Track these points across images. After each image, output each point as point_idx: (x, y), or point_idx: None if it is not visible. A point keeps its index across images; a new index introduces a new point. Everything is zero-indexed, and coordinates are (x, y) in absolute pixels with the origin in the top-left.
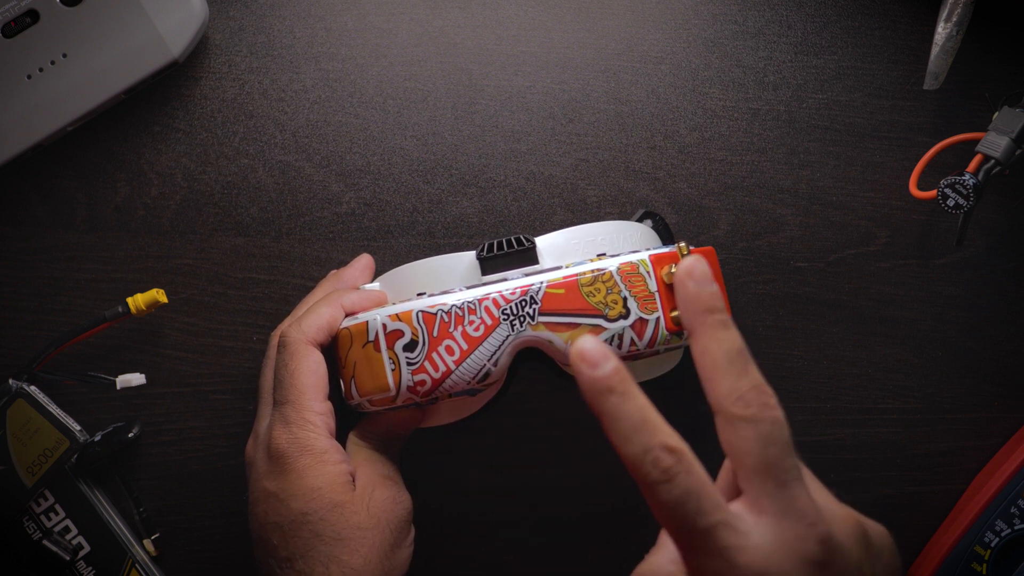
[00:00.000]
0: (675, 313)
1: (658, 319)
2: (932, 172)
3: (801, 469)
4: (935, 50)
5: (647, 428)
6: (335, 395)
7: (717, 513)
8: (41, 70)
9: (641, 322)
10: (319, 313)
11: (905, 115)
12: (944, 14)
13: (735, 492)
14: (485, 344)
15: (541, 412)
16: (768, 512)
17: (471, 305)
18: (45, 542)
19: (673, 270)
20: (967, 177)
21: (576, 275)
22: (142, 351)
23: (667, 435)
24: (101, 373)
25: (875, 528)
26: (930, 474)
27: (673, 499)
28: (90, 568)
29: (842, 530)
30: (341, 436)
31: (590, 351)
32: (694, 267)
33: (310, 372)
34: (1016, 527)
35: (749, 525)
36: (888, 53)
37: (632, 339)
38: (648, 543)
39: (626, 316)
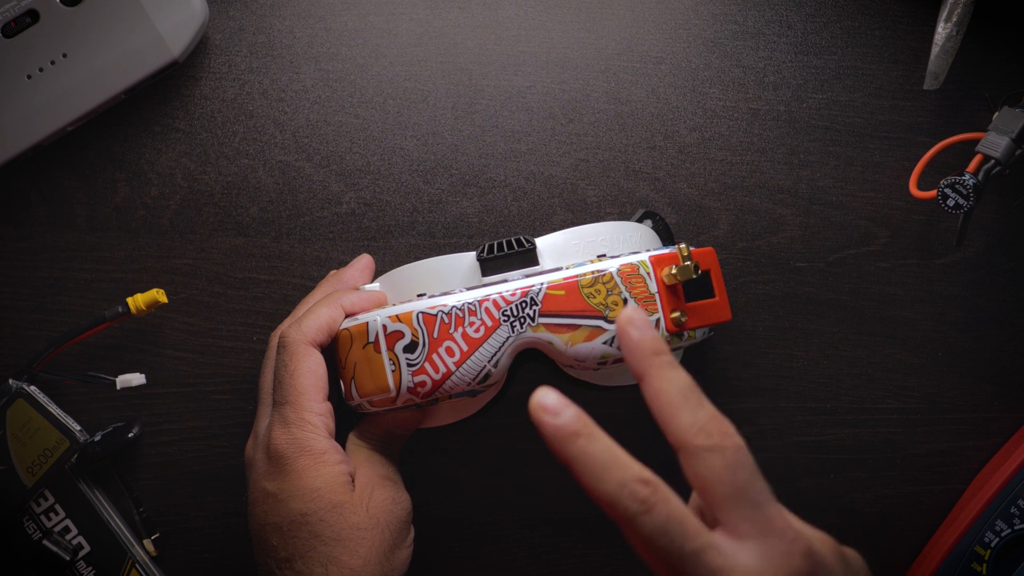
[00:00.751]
0: (675, 314)
1: (658, 320)
2: (932, 172)
3: (770, 491)
4: (935, 50)
5: (618, 464)
6: (335, 395)
7: (702, 536)
8: (41, 70)
9: None
10: (319, 314)
11: (905, 115)
12: (944, 14)
13: (708, 522)
14: (485, 345)
15: None
16: (749, 535)
17: (471, 306)
18: (45, 542)
19: (674, 271)
20: (967, 177)
21: (576, 276)
22: (142, 351)
23: (639, 468)
24: (101, 373)
25: (849, 551)
26: (930, 474)
27: (656, 527)
28: (90, 568)
29: (820, 545)
30: (341, 436)
31: (550, 402)
32: (633, 315)
33: (309, 373)
34: (1016, 527)
35: (734, 549)
36: (888, 53)
37: None
38: None
39: None
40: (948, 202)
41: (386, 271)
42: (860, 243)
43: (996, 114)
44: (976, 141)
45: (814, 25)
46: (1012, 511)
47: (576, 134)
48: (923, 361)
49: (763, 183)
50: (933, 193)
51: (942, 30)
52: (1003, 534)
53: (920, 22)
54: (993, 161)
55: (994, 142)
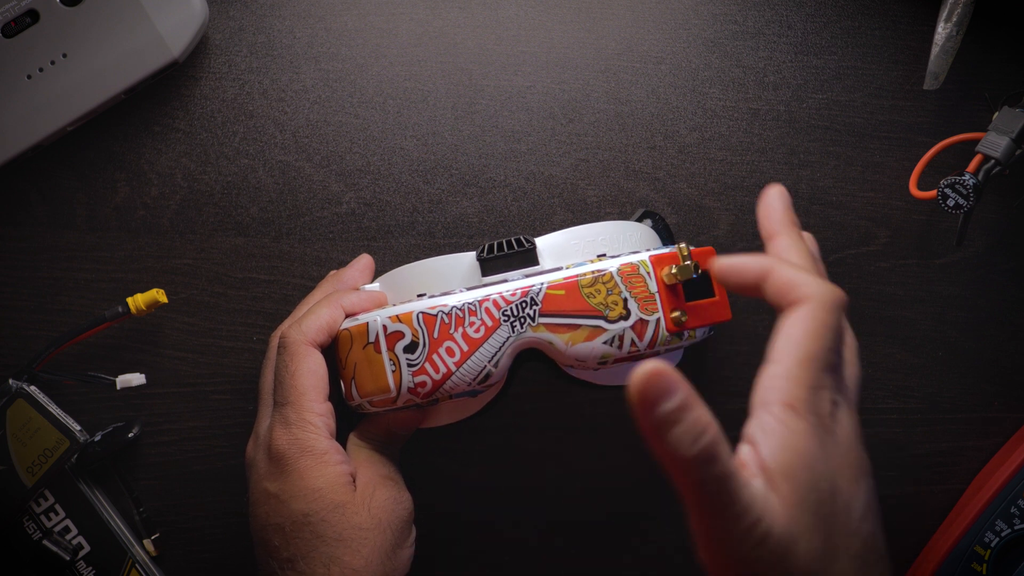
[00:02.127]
0: (675, 314)
1: (658, 320)
2: (932, 172)
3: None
4: (935, 50)
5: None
6: (336, 396)
7: None
8: (41, 70)
9: (641, 323)
10: (319, 314)
11: (905, 115)
12: (944, 14)
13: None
14: (485, 345)
15: (541, 412)
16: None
17: (471, 306)
18: (45, 542)
19: (674, 271)
20: (967, 177)
21: (576, 276)
22: (142, 351)
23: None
24: (101, 373)
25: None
26: (930, 474)
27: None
28: (90, 568)
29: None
30: (341, 437)
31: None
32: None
33: (310, 373)
34: (1016, 527)
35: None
36: (888, 53)
37: (632, 340)
38: (646, 541)
39: (626, 317)
40: (948, 202)
41: (386, 271)
42: (860, 243)
43: (996, 114)
44: (976, 141)
45: (814, 25)
46: (1012, 511)
47: (576, 134)
48: (923, 361)
49: (763, 183)
50: (933, 193)
51: (942, 30)
52: (1003, 534)
53: (920, 22)
54: (993, 161)
55: (994, 142)
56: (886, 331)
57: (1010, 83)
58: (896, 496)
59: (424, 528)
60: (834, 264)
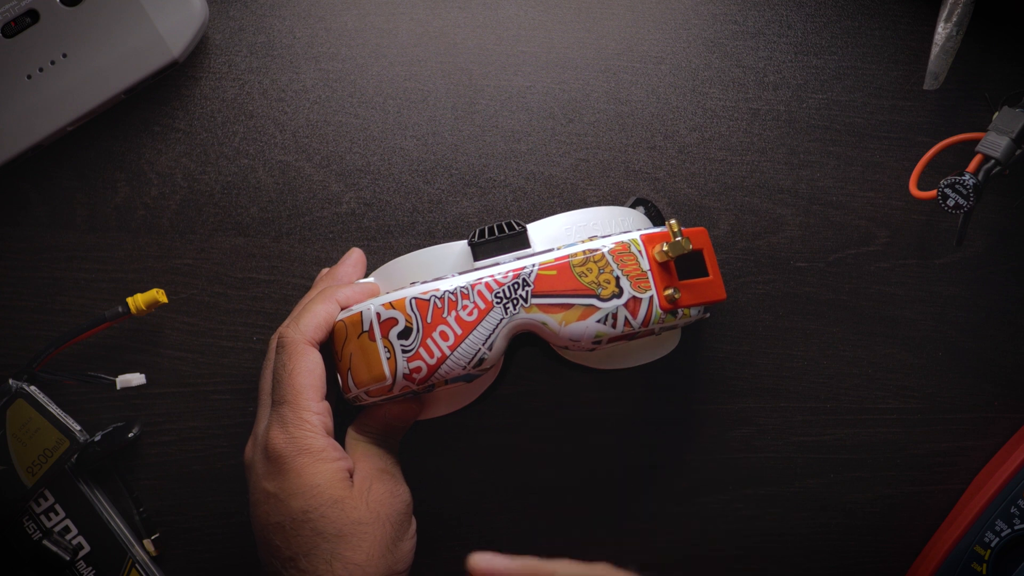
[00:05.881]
0: (669, 291)
1: (651, 298)
2: (932, 172)
3: None
4: (935, 50)
5: None
6: (334, 395)
7: None
8: (41, 70)
9: (635, 300)
10: (315, 311)
11: (905, 115)
12: (944, 14)
13: None
14: (479, 328)
15: (541, 412)
16: None
17: (464, 290)
18: (45, 542)
19: (665, 248)
20: (967, 177)
21: (568, 256)
22: (142, 351)
23: None
24: (101, 373)
25: None
26: (930, 474)
27: None
28: (90, 568)
29: None
30: (340, 436)
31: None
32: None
33: (307, 372)
34: (1016, 527)
35: None
36: (888, 53)
37: (626, 318)
38: (647, 540)
39: (619, 295)
40: (948, 202)
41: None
42: (860, 243)
43: (996, 114)
44: (976, 141)
45: (814, 25)
46: (1012, 511)
47: (576, 134)
48: (923, 361)
49: (763, 183)
50: (933, 193)
51: (942, 30)
52: (1003, 534)
53: (920, 22)
54: (993, 161)
55: (994, 142)
56: (886, 331)
57: (1010, 83)
58: (896, 496)
59: (422, 528)
60: (834, 264)
